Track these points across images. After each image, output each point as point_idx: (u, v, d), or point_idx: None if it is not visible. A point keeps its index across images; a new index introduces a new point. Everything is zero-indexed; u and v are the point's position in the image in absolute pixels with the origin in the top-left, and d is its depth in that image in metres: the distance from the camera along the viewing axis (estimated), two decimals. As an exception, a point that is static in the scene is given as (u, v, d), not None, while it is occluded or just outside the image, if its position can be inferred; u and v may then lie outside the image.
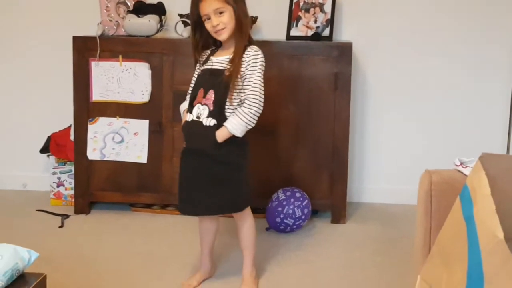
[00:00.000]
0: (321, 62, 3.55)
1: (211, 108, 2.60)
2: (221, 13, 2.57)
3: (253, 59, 2.60)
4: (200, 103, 2.63)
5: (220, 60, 2.66)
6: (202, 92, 2.63)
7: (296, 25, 3.79)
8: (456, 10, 3.88)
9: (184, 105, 2.77)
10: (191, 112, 2.66)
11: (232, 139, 2.61)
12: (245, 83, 2.60)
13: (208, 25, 2.61)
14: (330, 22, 3.75)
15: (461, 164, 2.02)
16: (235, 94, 2.59)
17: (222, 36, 2.63)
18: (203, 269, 2.87)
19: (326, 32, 3.74)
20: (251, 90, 2.58)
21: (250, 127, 2.61)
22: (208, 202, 2.65)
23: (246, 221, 2.77)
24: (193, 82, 2.75)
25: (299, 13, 3.79)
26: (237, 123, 2.57)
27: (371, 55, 3.94)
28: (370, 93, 3.99)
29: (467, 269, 1.56)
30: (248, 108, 2.57)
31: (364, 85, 3.98)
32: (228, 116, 2.59)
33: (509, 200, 1.70)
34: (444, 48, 3.91)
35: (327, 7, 3.77)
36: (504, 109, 3.92)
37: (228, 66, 2.61)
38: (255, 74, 2.59)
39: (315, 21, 3.77)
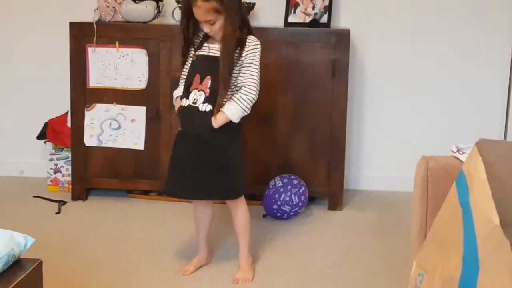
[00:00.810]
0: (319, 49, 3.54)
1: (207, 94, 2.62)
2: (212, 24, 2.57)
3: (253, 49, 2.63)
4: (197, 89, 2.64)
5: (216, 48, 2.65)
6: (199, 78, 2.65)
7: (294, 12, 3.77)
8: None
9: (177, 92, 2.77)
10: (187, 98, 2.66)
11: (227, 125, 2.62)
12: (242, 72, 2.62)
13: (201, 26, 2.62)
14: (328, 9, 3.74)
15: (458, 150, 2.01)
16: (232, 81, 2.61)
17: (216, 38, 2.64)
18: (199, 255, 2.88)
19: (324, 19, 3.73)
20: (249, 78, 2.61)
21: (246, 114, 2.64)
22: (200, 187, 2.67)
23: (240, 208, 2.78)
24: (186, 68, 2.75)
25: (297, 0, 3.77)
26: (235, 108, 2.60)
27: (369, 42, 3.93)
28: (368, 80, 3.98)
29: (463, 254, 1.56)
30: (246, 94, 2.60)
31: (362, 72, 3.97)
32: (224, 102, 2.60)
33: (505, 186, 1.70)
34: (442, 35, 3.90)
35: (325, -6, 3.76)
36: (501, 96, 3.91)
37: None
38: (253, 63, 2.63)
39: (313, 8, 3.75)
